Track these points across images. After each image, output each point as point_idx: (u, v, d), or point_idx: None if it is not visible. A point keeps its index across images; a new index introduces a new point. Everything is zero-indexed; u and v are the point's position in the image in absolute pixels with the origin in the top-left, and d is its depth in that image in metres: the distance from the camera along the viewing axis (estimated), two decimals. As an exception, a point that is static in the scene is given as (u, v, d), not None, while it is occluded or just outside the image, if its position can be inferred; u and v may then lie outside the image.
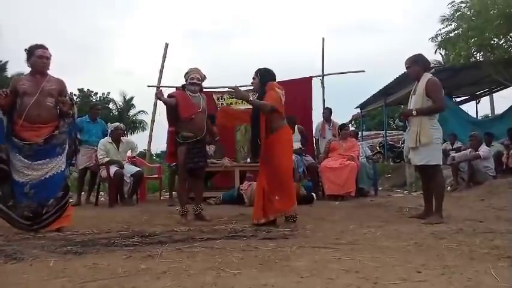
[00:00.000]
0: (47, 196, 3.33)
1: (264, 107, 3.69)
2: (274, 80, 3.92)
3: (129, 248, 2.69)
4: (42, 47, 3.44)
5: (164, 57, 8.15)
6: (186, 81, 4.11)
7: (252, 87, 4.14)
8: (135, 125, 31.88)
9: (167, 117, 4.19)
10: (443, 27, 9.37)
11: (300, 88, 7.73)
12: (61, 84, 3.54)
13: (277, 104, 3.69)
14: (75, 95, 29.69)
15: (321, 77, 7.94)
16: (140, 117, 31.84)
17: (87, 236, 3.18)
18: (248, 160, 6.30)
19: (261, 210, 3.68)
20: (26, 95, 3.32)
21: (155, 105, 8.03)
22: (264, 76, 3.86)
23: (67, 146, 3.50)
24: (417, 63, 3.83)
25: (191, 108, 4.01)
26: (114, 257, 2.43)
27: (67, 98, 3.54)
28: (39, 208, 3.30)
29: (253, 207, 3.82)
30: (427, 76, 3.77)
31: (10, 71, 22.79)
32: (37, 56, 3.39)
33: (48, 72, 3.50)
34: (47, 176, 3.33)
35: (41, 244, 2.81)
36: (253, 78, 3.94)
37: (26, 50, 3.43)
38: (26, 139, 3.30)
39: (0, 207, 3.30)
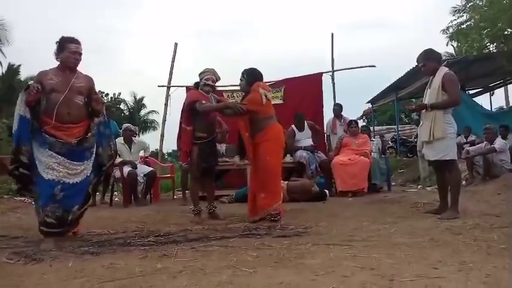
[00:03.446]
0: (73, 202, 3.04)
1: (220, 108, 4.02)
2: (260, 79, 3.99)
3: (145, 247, 2.72)
4: (75, 41, 3.14)
5: (174, 57, 8.21)
6: (200, 80, 4.13)
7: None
8: (146, 125, 32.18)
9: (186, 116, 4.08)
10: (455, 19, 9.22)
11: (310, 84, 7.72)
12: (90, 81, 3.26)
13: (256, 105, 3.77)
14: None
15: (331, 73, 7.90)
16: (151, 117, 32.15)
17: (103, 236, 3.22)
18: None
19: (251, 210, 3.86)
20: (54, 91, 3.02)
21: (166, 104, 8.11)
22: (250, 76, 3.97)
23: (95, 150, 3.23)
24: (432, 59, 3.79)
25: None
26: (130, 256, 2.47)
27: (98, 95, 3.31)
28: (65, 214, 2.98)
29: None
30: (444, 70, 3.72)
31: (23, 75, 23.24)
32: (70, 51, 3.09)
33: (77, 68, 3.20)
34: (77, 181, 3.05)
35: (59, 245, 2.86)
36: (240, 79, 4.04)
37: (57, 42, 3.14)
38: (57, 138, 3.00)
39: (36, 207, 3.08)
